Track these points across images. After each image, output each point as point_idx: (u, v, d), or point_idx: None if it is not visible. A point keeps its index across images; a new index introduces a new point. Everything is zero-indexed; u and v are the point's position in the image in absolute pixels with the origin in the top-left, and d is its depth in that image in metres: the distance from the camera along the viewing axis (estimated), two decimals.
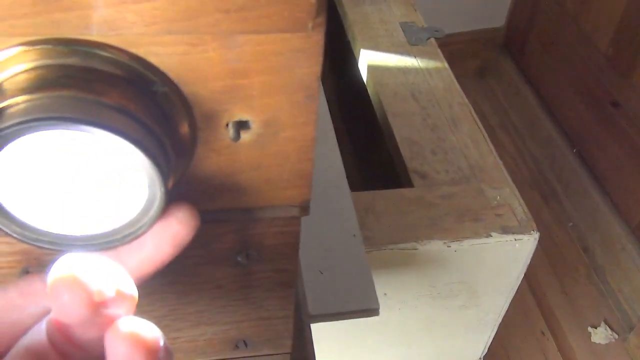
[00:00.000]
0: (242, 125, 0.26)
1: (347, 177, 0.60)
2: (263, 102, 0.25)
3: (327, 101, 0.71)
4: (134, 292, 0.23)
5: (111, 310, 0.22)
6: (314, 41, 0.23)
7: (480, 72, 2.13)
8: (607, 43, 1.62)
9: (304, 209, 0.30)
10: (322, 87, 0.71)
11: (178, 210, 0.25)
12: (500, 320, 0.74)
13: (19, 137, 0.21)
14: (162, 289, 0.32)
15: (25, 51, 0.22)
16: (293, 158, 0.28)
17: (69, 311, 0.21)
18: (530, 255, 0.65)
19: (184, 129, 0.25)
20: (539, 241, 0.64)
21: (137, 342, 0.21)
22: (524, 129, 1.94)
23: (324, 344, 0.64)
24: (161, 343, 0.22)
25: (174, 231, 0.25)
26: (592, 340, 1.48)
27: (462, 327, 0.72)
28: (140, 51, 0.23)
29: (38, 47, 0.22)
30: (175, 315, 0.34)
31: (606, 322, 1.52)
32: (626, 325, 1.50)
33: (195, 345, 0.36)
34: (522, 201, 0.66)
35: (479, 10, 2.02)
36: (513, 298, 0.72)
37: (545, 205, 1.75)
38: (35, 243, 0.25)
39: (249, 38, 0.23)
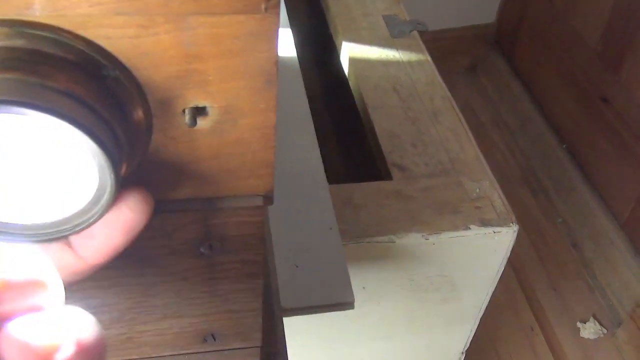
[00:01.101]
0: (199, 112, 0.25)
1: (331, 170, 0.59)
2: (220, 88, 0.25)
3: (313, 94, 0.70)
4: (48, 280, 0.21)
5: (21, 300, 0.20)
6: (269, 23, 0.23)
7: (471, 68, 2.13)
8: (596, 39, 1.62)
9: (268, 198, 0.29)
10: (300, 75, 0.71)
11: (129, 196, 0.24)
12: (481, 313, 0.74)
13: None
14: (128, 281, 0.31)
15: None
16: (254, 146, 0.27)
17: None
18: (510, 248, 0.65)
19: (138, 115, 0.24)
20: (528, 236, 0.64)
21: (26, 350, 0.19)
22: (514, 125, 1.94)
23: (302, 337, 0.64)
24: (61, 349, 0.20)
25: (125, 218, 0.24)
26: (581, 335, 1.48)
27: (443, 320, 0.72)
28: (89, 34, 0.22)
29: None
30: (141, 308, 0.33)
31: (595, 317, 1.52)
32: (615, 320, 1.50)
33: (163, 338, 0.35)
34: (501, 194, 0.65)
35: (469, 7, 2.02)
36: (502, 293, 0.72)
37: (535, 200, 1.75)
38: None
39: (203, 20, 0.22)
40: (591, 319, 1.52)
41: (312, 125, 0.61)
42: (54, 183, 0.23)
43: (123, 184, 0.24)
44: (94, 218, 0.24)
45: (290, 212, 0.52)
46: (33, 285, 0.20)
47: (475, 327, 0.73)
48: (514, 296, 1.55)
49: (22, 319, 0.20)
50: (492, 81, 2.08)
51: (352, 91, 0.80)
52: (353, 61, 0.82)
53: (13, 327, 0.19)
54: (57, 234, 0.24)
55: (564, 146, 1.76)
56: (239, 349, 0.37)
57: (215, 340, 0.36)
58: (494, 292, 0.75)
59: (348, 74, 0.83)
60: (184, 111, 0.25)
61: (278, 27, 0.23)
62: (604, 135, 1.60)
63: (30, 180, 0.23)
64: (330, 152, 0.63)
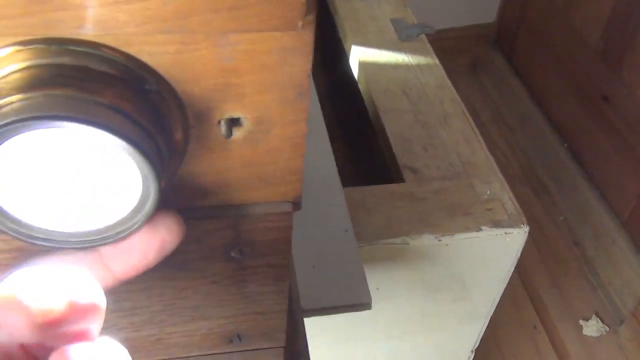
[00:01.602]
0: (234, 123, 0.26)
1: (339, 173, 0.61)
2: (255, 100, 0.26)
3: (320, 96, 0.71)
4: (97, 301, 0.21)
5: (71, 326, 0.19)
6: (304, 40, 0.24)
7: (472, 67, 2.14)
8: (596, 38, 1.63)
9: (296, 204, 0.30)
10: (313, 82, 0.72)
11: (166, 217, 0.25)
12: (491, 313, 0.75)
13: (14, 135, 0.21)
14: (159, 284, 0.32)
15: (19, 51, 0.22)
16: (285, 155, 0.28)
17: (15, 334, 0.19)
18: (521, 249, 0.66)
19: (177, 126, 0.25)
20: (530, 235, 0.65)
21: None
22: (515, 124, 1.96)
23: (318, 338, 0.65)
24: None
25: (162, 238, 0.25)
26: (584, 332, 1.50)
27: (454, 320, 0.73)
28: (133, 50, 0.23)
29: (32, 46, 0.22)
30: (171, 310, 0.34)
31: (597, 315, 1.54)
32: (617, 317, 1.51)
33: (191, 340, 0.36)
34: (512, 195, 0.67)
35: (470, 6, 2.03)
36: (505, 292, 0.73)
37: (537, 199, 1.76)
38: (30, 240, 0.25)
39: (241, 37, 0.23)
40: (593, 316, 1.53)
41: (325, 130, 0.62)
42: (98, 192, 0.24)
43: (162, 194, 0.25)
44: (136, 226, 0.25)
45: (307, 215, 0.54)
46: (92, 310, 0.20)
47: (485, 326, 0.75)
48: (516, 294, 1.56)
49: (81, 344, 0.20)
50: (493, 80, 2.10)
51: (363, 94, 0.81)
52: (363, 65, 0.83)
53: (75, 351, 0.19)
54: (100, 242, 0.25)
55: (565, 145, 1.77)
56: (263, 349, 0.38)
57: (241, 340, 0.37)
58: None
59: (358, 78, 0.84)
60: (219, 122, 0.26)
61: (313, 42, 0.24)
62: (604, 133, 1.61)
63: (75, 190, 0.24)
64: (337, 153, 0.64)
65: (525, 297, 1.57)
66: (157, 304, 0.33)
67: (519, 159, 1.87)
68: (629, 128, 1.53)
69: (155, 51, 0.23)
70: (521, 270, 1.59)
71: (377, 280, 0.62)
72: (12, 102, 0.22)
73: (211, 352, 0.37)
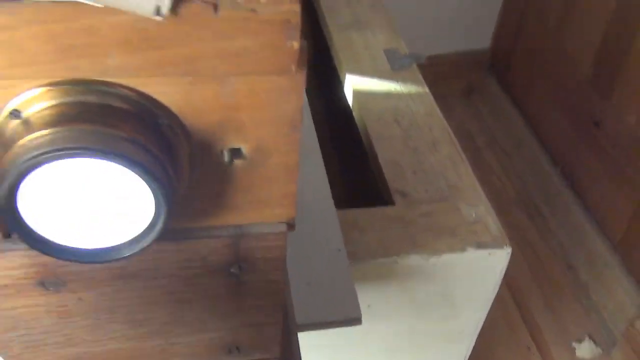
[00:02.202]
0: (234, 152, 0.30)
1: (333, 195, 0.64)
2: (253, 133, 0.29)
3: (315, 122, 0.75)
4: None
5: None
6: (297, 81, 0.27)
7: (467, 92, 2.18)
8: (588, 65, 1.67)
9: (290, 225, 0.33)
10: (309, 108, 0.76)
11: None
12: (478, 331, 0.78)
13: (46, 163, 0.25)
14: (167, 297, 0.35)
15: (49, 90, 0.26)
16: (280, 180, 0.31)
17: None
18: (504, 268, 0.69)
19: (184, 155, 0.29)
20: (524, 258, 0.68)
21: None
22: (510, 148, 1.99)
23: (310, 355, 0.67)
24: None
25: None
26: (577, 355, 1.51)
27: (443, 337, 0.76)
28: (148, 90, 0.27)
29: (60, 87, 0.26)
30: (176, 322, 0.37)
31: (590, 337, 1.55)
32: (610, 340, 1.53)
33: (192, 350, 0.39)
34: (496, 218, 0.70)
35: (465, 33, 2.07)
36: (499, 313, 0.76)
37: (531, 222, 1.79)
38: (55, 255, 0.28)
39: (242, 79, 0.27)
40: (587, 338, 1.55)
41: (320, 154, 0.65)
42: (116, 213, 0.28)
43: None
44: (148, 243, 0.28)
45: (302, 235, 0.57)
46: None
47: (473, 343, 0.77)
48: (511, 316, 1.58)
49: None
50: (487, 105, 2.14)
51: (357, 121, 0.85)
52: (357, 93, 0.87)
53: None
54: (116, 256, 0.29)
55: (558, 169, 1.80)
56: (259, 359, 0.41)
57: (239, 352, 0.40)
58: (492, 312, 0.79)
59: (352, 106, 0.88)
60: (222, 152, 0.30)
61: (304, 83, 0.28)
62: (596, 158, 1.64)
63: (96, 211, 0.27)
64: (331, 176, 0.68)
65: (520, 319, 1.59)
66: (164, 316, 0.36)
67: (514, 183, 1.90)
68: (620, 153, 1.56)
69: (167, 91, 0.27)
70: (515, 292, 1.61)
71: (368, 298, 0.65)
72: (44, 135, 0.25)
73: None
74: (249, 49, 0.25)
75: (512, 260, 0.69)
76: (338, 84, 0.95)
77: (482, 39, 2.11)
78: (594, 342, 1.54)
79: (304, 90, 0.28)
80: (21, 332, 0.35)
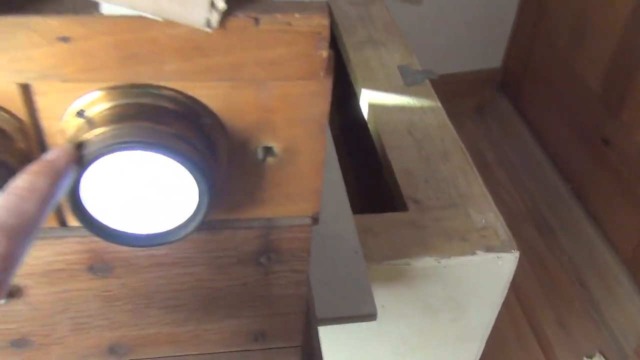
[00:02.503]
0: (267, 150, 0.33)
1: (350, 202, 0.68)
2: (285, 133, 0.33)
3: (333, 134, 0.79)
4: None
5: None
6: (325, 86, 0.31)
7: (478, 110, 2.22)
8: (597, 83, 1.70)
9: (315, 219, 0.37)
10: (328, 123, 0.80)
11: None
12: (487, 335, 0.81)
13: (107, 154, 0.28)
14: (200, 284, 0.39)
15: (109, 93, 0.30)
16: (307, 177, 0.35)
17: None
18: (512, 272, 0.73)
19: (223, 152, 0.32)
20: (535, 273, 0.71)
21: None
22: (520, 165, 2.01)
23: (327, 353, 0.71)
24: None
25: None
26: None
27: (453, 338, 0.79)
28: (194, 93, 0.30)
29: (120, 90, 0.30)
30: (208, 309, 0.40)
31: (601, 353, 1.56)
32: (621, 355, 1.54)
33: (221, 337, 0.42)
34: (504, 224, 0.74)
35: (477, 52, 2.11)
36: (511, 327, 0.78)
37: (542, 239, 1.81)
38: (108, 239, 0.32)
39: (277, 84, 0.31)
40: (597, 354, 1.55)
41: (338, 164, 0.69)
42: (165, 203, 0.31)
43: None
44: (191, 230, 0.32)
45: (321, 237, 0.61)
46: None
47: (483, 345, 0.80)
48: (522, 331, 1.59)
49: None
50: (498, 122, 2.16)
51: (372, 133, 0.89)
52: (372, 107, 0.91)
53: None
54: (161, 242, 0.32)
55: (569, 186, 1.82)
56: (282, 347, 0.44)
57: (264, 339, 0.43)
58: (502, 325, 0.82)
59: (367, 119, 0.92)
60: (256, 150, 0.33)
61: (331, 88, 0.31)
62: (606, 175, 1.66)
63: (147, 199, 0.31)
64: (348, 184, 0.72)
65: (530, 334, 1.60)
66: (197, 302, 0.40)
67: (524, 199, 1.93)
68: (630, 170, 1.58)
69: (211, 94, 0.31)
70: (526, 306, 1.62)
71: (382, 299, 0.69)
72: (105, 132, 0.29)
73: (238, 349, 0.43)
74: (284, 57, 0.29)
75: (522, 274, 0.73)
76: (354, 99, 0.99)
77: (493, 58, 2.15)
78: (605, 357, 1.54)
79: (330, 93, 0.31)
80: (70, 314, 0.38)
